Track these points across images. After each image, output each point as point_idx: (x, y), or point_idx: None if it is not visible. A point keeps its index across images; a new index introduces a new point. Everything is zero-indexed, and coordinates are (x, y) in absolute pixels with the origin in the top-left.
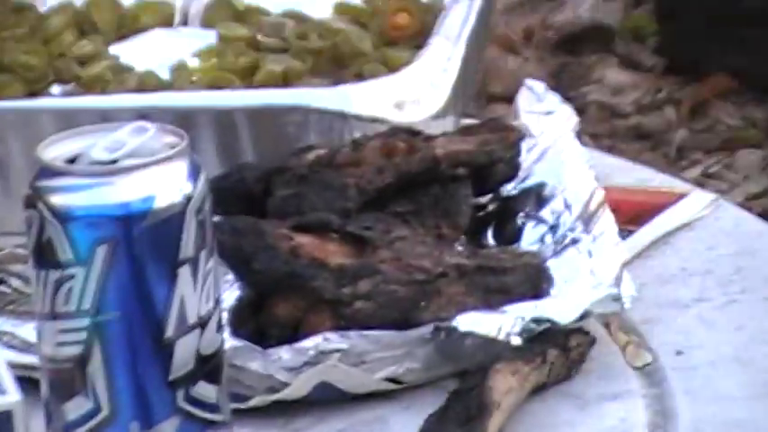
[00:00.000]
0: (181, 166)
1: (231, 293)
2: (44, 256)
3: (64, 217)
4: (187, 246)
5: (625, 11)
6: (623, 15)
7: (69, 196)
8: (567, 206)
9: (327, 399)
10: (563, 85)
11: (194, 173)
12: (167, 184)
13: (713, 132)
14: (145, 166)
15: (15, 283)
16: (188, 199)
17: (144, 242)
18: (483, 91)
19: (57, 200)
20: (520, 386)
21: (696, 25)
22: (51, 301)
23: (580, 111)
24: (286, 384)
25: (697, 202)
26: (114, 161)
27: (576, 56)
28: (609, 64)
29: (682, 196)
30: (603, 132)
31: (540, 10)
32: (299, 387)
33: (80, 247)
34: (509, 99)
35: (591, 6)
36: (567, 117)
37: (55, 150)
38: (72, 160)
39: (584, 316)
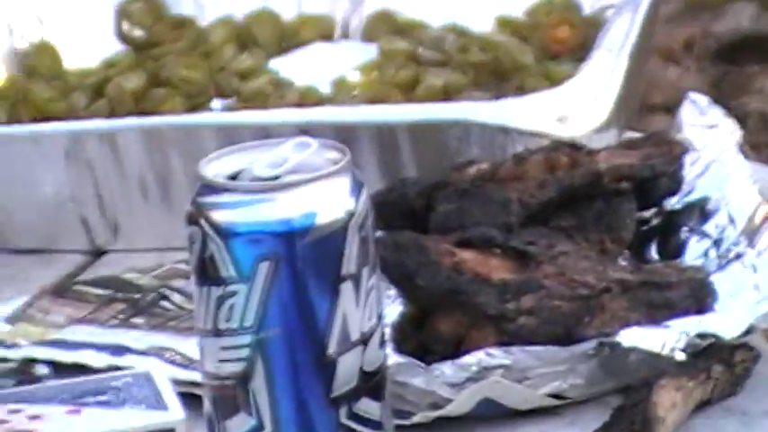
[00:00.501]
0: (343, 182)
1: (393, 309)
2: (206, 272)
3: (226, 233)
4: (349, 262)
5: None
6: None
7: (231, 213)
8: (732, 220)
9: (491, 415)
10: (723, 94)
11: (357, 188)
12: (330, 200)
13: None
14: (307, 181)
15: (177, 298)
16: (350, 215)
17: (306, 258)
18: (643, 101)
19: (219, 216)
20: (684, 402)
21: None
22: (214, 317)
23: (741, 120)
24: (449, 400)
25: None
26: (276, 177)
27: (736, 65)
28: None
29: None
30: (764, 142)
31: (701, 19)
32: (462, 403)
33: (242, 264)
34: (669, 109)
35: (752, 15)
36: (730, 131)
37: (217, 167)
38: (234, 176)
39: (748, 331)
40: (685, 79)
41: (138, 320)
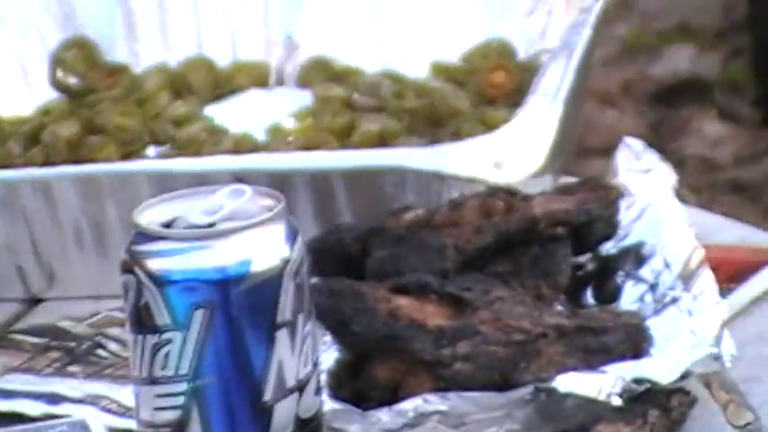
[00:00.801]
0: (278, 229)
1: (329, 355)
2: (142, 320)
3: (161, 281)
4: (285, 309)
5: (723, 63)
6: (721, 67)
7: (166, 260)
8: (667, 265)
9: None
10: (661, 137)
11: (292, 235)
12: (265, 248)
13: None
14: (242, 229)
15: (113, 347)
16: (286, 262)
17: (241, 306)
18: (580, 145)
19: (154, 264)
20: None
21: None
22: (149, 365)
23: (678, 163)
24: None
25: None
26: (211, 224)
27: (673, 108)
28: (707, 116)
29: None
30: (702, 185)
31: (638, 62)
32: None
33: (178, 312)
34: (607, 152)
35: (689, 58)
36: (665, 175)
37: (151, 214)
38: (168, 224)
39: (684, 375)
40: (623, 122)
41: (73, 369)
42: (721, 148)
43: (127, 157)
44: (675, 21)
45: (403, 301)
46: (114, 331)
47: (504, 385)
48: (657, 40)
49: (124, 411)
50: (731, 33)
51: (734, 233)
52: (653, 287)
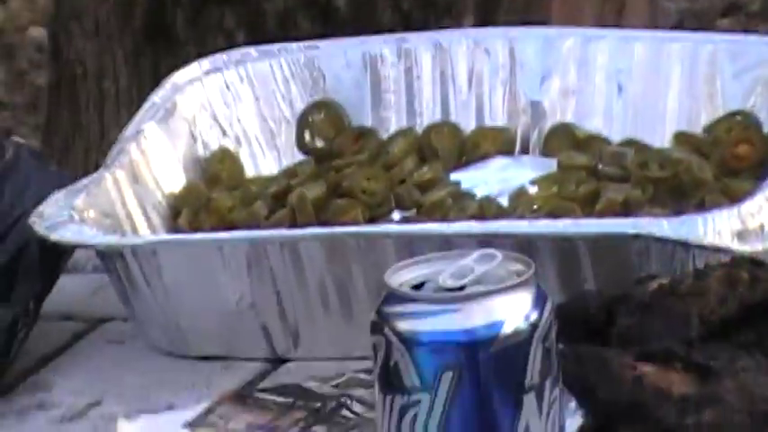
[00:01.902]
0: (527, 294)
1: (573, 421)
2: (390, 380)
3: (410, 342)
4: (533, 373)
5: None
6: None
7: (416, 322)
8: None
9: None
10: None
11: (541, 300)
12: (514, 312)
13: None
14: (492, 293)
15: (358, 408)
16: (534, 326)
17: (489, 369)
18: None
19: (404, 325)
20: None
21: None
22: (397, 426)
23: None
24: None
25: None
26: (461, 288)
27: None
28: None
29: None
30: None
31: None
32: None
33: (426, 373)
34: None
35: None
36: None
37: (402, 276)
38: (418, 286)
39: None
40: None
41: (318, 429)
42: None
43: (372, 220)
44: None
45: (648, 369)
46: (359, 392)
47: None
48: None
49: None
50: None
51: None
52: None
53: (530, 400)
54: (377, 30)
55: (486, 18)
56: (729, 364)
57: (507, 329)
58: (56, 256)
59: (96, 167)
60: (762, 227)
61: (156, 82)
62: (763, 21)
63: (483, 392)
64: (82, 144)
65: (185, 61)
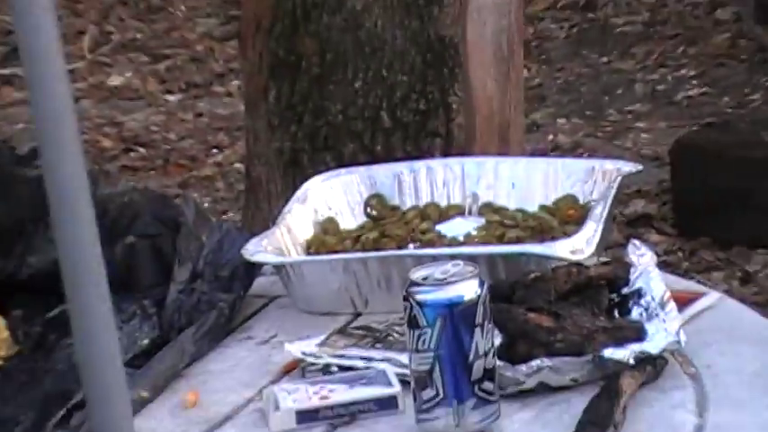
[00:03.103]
0: (475, 281)
1: (497, 340)
2: (411, 323)
3: (422, 304)
4: (479, 318)
5: None
6: None
7: (424, 295)
8: (653, 298)
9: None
10: None
11: (482, 284)
12: (469, 290)
13: None
14: (459, 281)
15: (396, 335)
16: (479, 297)
17: (459, 317)
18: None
19: (418, 297)
20: (636, 382)
21: None
22: (415, 343)
23: None
24: (523, 382)
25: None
26: (444, 279)
27: None
28: None
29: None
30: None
31: None
32: (530, 384)
33: (429, 319)
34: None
35: None
36: (651, 256)
37: (416, 273)
38: (425, 278)
39: (663, 350)
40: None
41: (378, 345)
42: None
43: (400, 248)
44: None
45: (531, 315)
46: (398, 328)
47: (579, 354)
48: None
49: (402, 366)
50: None
51: (682, 284)
52: (646, 309)
53: (478, 330)
54: (399, 158)
55: (448, 152)
56: (569, 312)
57: (467, 298)
58: (254, 268)
59: (270, 227)
60: (582, 249)
61: (296, 187)
62: None
63: (456, 328)
64: (260, 216)
65: (308, 177)
